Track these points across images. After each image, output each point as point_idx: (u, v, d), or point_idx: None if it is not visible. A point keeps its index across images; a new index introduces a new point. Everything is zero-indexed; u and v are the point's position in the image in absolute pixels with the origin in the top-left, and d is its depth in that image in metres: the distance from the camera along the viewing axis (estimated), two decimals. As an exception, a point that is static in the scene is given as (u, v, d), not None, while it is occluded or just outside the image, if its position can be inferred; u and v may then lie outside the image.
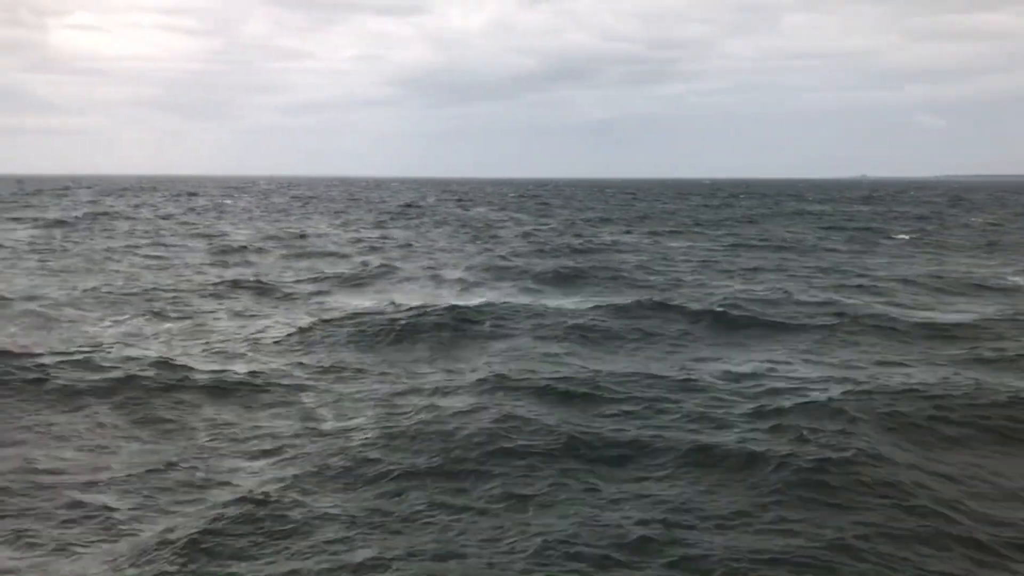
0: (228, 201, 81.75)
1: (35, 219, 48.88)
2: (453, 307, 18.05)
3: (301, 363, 14.16)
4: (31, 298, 19.93)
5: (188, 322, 17.84)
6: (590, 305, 19.27)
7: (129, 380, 12.58)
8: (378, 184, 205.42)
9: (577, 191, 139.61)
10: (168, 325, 17.56)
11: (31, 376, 12.62)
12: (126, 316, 18.21)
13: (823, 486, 8.67)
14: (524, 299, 20.73)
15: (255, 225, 48.12)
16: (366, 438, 10.35)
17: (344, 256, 31.50)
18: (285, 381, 12.89)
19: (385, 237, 39.98)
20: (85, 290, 21.61)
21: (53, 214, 54.36)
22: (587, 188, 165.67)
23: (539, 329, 16.48)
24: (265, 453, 10.07)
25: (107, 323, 17.52)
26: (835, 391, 12.03)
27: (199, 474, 9.42)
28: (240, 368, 13.67)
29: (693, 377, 13.08)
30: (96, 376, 12.77)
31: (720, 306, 18.79)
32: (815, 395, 11.85)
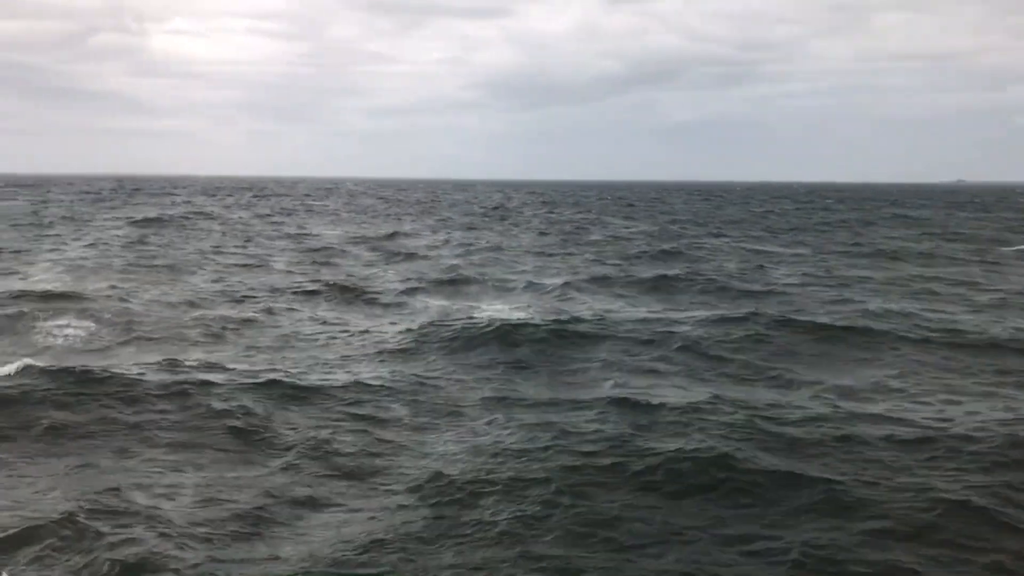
0: (316, 202, 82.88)
1: (130, 218, 50.13)
2: (552, 316, 17.38)
3: (393, 371, 13.67)
4: (123, 299, 20.06)
5: (276, 326, 17.65)
6: (692, 316, 18.25)
7: (211, 386, 12.32)
8: (463, 186, 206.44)
9: (663, 194, 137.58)
10: (255, 328, 17.39)
11: (115, 379, 12.39)
12: (214, 317, 18.09)
13: (958, 528, 7.83)
14: (623, 308, 19.93)
15: (343, 227, 48.40)
16: (464, 456, 9.79)
17: (434, 258, 31.18)
18: (376, 391, 12.40)
19: (475, 240, 39.56)
20: (174, 290, 21.76)
21: (150, 213, 55.76)
22: (672, 191, 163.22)
23: (644, 343, 15.59)
24: (356, 470, 9.58)
25: (195, 327, 17.39)
26: (969, 422, 10.88)
27: (280, 493, 8.92)
28: (328, 376, 13.30)
29: (804, 401, 12.06)
30: (178, 379, 12.53)
31: (829, 319, 17.70)
32: (946, 424, 10.78)
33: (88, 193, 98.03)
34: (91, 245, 33.11)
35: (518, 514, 8.13)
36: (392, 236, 40.97)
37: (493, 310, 18.86)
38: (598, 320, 17.18)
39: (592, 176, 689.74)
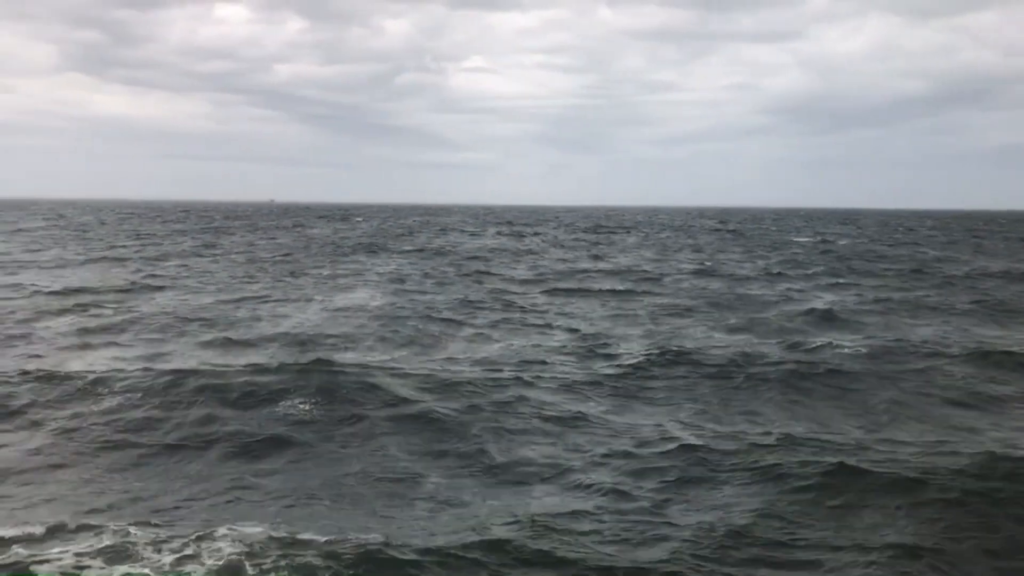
0: (618, 235, 78.11)
1: (426, 248, 48.29)
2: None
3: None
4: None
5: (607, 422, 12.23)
6: None
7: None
8: (757, 215, 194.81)
9: (996, 225, 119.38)
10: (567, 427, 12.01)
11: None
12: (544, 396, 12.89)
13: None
14: None
15: (641, 255, 42.96)
16: None
17: (775, 302, 24.63)
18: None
19: (826, 281, 32.01)
20: (473, 352, 17.18)
21: (448, 241, 53.95)
22: (1001, 222, 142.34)
23: None
24: None
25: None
26: None
27: None
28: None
29: None
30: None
31: None
32: None
33: (391, 220, 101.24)
34: (394, 277, 30.32)
35: None
36: (710, 273, 34.81)
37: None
38: None
39: (895, 204, 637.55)
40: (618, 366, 15.38)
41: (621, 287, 28.97)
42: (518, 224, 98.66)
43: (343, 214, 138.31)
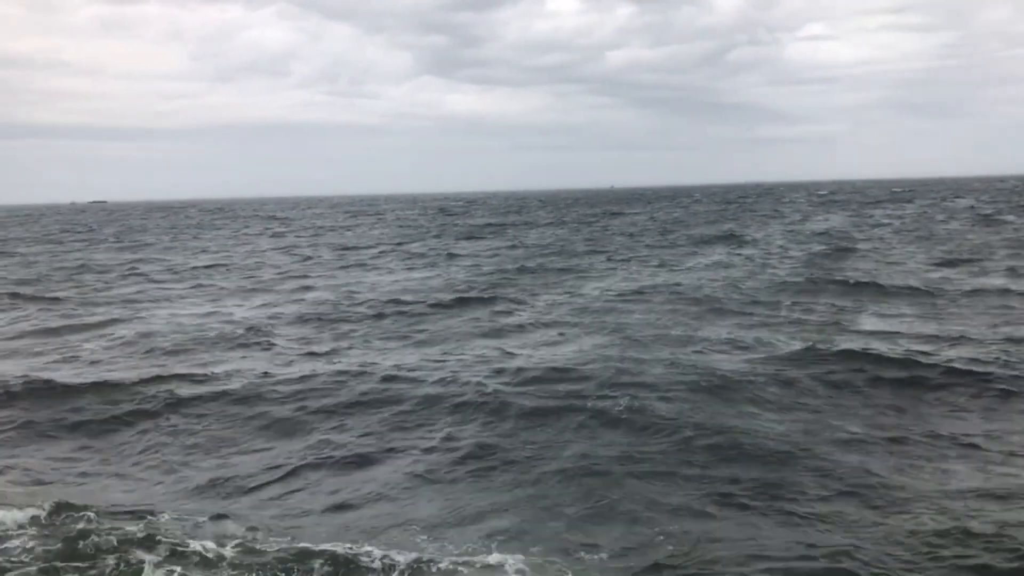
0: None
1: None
2: None
3: None
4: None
5: None
6: None
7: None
8: None
9: None
10: None
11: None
12: None
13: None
14: None
15: None
16: None
17: None
18: None
19: None
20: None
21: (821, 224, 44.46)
22: None
23: None
24: None
25: None
26: None
27: None
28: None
29: None
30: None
31: None
32: None
33: (735, 202, 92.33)
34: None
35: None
36: None
37: None
38: None
39: None
40: None
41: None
42: (893, 200, 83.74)
43: (675, 195, 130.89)
